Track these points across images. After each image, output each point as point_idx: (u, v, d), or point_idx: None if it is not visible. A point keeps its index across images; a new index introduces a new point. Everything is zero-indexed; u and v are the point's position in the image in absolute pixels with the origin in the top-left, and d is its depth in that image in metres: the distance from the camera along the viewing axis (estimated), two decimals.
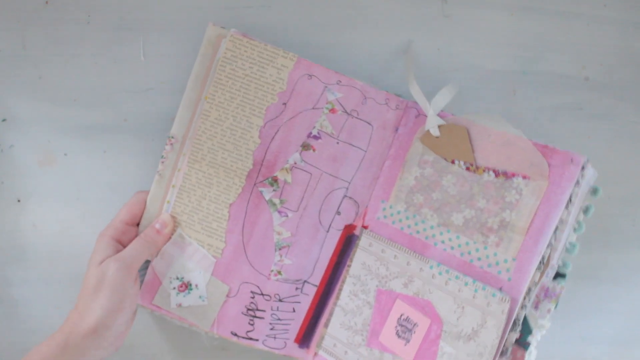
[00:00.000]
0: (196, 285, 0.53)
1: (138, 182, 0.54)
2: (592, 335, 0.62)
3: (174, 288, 0.53)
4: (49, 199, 0.55)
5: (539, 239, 0.46)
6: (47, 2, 0.52)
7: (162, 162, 0.52)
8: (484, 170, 0.49)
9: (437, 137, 0.51)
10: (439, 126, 0.51)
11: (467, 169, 0.50)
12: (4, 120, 0.54)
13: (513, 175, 0.47)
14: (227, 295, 0.53)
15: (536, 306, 0.49)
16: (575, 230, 0.49)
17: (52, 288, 0.55)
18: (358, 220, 0.54)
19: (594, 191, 0.49)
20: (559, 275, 0.50)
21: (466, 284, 0.47)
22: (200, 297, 0.53)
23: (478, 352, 0.46)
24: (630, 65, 0.58)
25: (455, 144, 0.50)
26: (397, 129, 0.53)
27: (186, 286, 0.53)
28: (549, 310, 0.49)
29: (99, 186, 0.55)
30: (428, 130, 0.51)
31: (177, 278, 0.53)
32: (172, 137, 0.52)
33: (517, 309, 0.45)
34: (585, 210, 0.49)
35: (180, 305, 0.53)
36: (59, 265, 0.55)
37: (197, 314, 0.53)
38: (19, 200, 0.55)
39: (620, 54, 0.58)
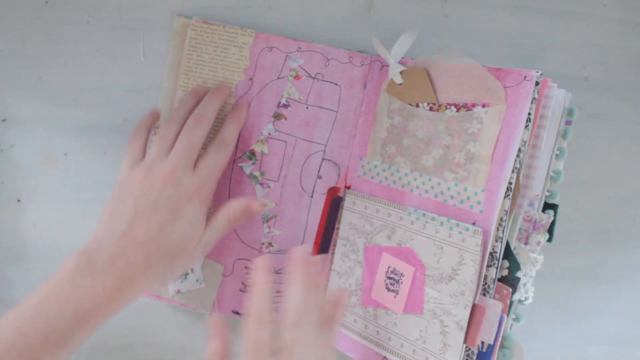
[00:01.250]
0: (191, 269, 0.53)
1: None
2: (592, 335, 0.62)
3: None
4: (49, 199, 0.55)
5: (504, 164, 0.44)
6: (47, 2, 0.52)
7: None
8: (446, 107, 0.48)
9: (400, 84, 0.51)
10: (401, 72, 0.50)
11: (431, 109, 0.49)
12: (4, 120, 0.54)
13: (473, 105, 0.46)
14: (223, 275, 0.54)
15: (526, 241, 0.48)
16: (557, 156, 0.48)
17: None
18: (340, 181, 0.54)
19: (570, 112, 0.48)
20: (550, 207, 0.49)
21: (441, 223, 0.46)
22: (197, 280, 0.53)
23: (460, 290, 0.45)
24: (629, 65, 0.58)
25: (417, 87, 0.50)
26: (365, 85, 0.54)
27: None
28: (538, 243, 0.47)
29: (99, 186, 0.55)
30: (392, 79, 0.51)
31: None
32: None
33: (490, 241, 0.44)
34: (564, 135, 0.48)
35: (179, 291, 0.53)
36: (59, 265, 0.55)
37: (197, 298, 0.53)
38: (19, 200, 0.55)
39: (620, 54, 0.58)
